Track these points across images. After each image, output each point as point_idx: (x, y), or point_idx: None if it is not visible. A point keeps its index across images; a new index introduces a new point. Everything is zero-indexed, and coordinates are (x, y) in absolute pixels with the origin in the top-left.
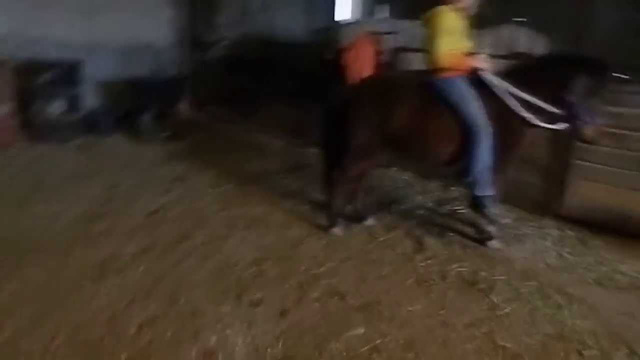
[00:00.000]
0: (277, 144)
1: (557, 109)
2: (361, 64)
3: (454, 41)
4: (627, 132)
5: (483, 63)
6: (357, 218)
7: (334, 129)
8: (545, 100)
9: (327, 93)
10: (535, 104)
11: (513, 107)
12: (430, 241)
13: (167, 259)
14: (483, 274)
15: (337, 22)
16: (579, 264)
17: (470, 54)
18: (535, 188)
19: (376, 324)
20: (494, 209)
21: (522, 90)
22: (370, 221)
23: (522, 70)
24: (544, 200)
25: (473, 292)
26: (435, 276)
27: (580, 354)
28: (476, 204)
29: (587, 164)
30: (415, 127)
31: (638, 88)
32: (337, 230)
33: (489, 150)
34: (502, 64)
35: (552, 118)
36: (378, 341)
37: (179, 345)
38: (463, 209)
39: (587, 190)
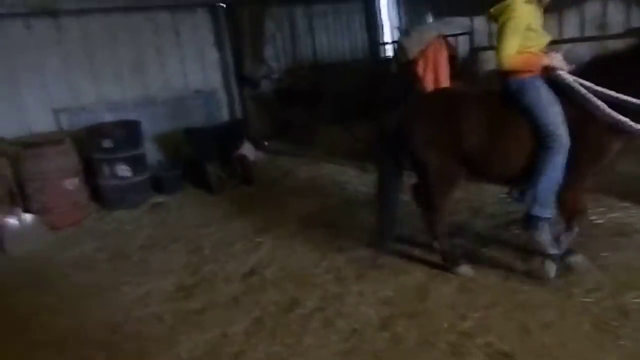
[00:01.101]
0: (350, 172)
1: None
2: (436, 71)
3: (529, 38)
4: None
5: (558, 62)
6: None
7: (391, 151)
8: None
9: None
10: (632, 104)
11: (601, 111)
12: (578, 265)
13: (283, 333)
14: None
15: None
16: None
17: (545, 51)
18: None
19: None
20: (547, 235)
21: (612, 89)
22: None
23: (609, 64)
24: None
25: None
26: (613, 314)
27: None
28: (529, 224)
29: None
30: (489, 139)
31: None
32: (465, 269)
33: (561, 167)
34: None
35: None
36: None
37: None
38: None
39: None
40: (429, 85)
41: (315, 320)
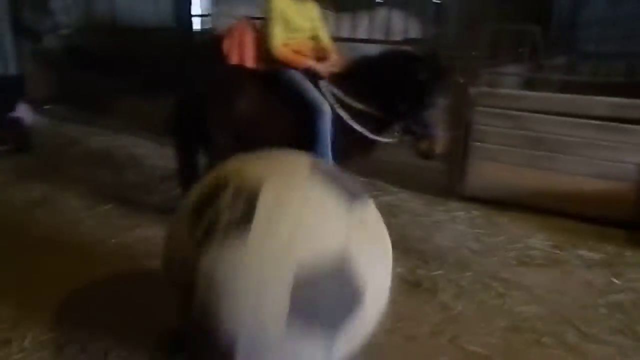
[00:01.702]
0: (149, 145)
1: (393, 117)
2: (242, 51)
3: (289, 30)
4: (519, 113)
5: (320, 68)
6: None
7: (188, 126)
8: (379, 108)
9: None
10: (367, 113)
11: (345, 120)
12: None
13: None
14: (421, 271)
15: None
16: (497, 244)
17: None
18: (439, 173)
19: None
20: None
21: (355, 97)
22: None
23: (356, 73)
24: (448, 184)
25: (421, 294)
26: None
27: (539, 343)
28: None
29: (485, 145)
30: (263, 118)
31: (527, 69)
32: None
33: (328, 134)
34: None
35: (386, 128)
36: None
37: None
38: None
39: (486, 170)
40: (234, 63)
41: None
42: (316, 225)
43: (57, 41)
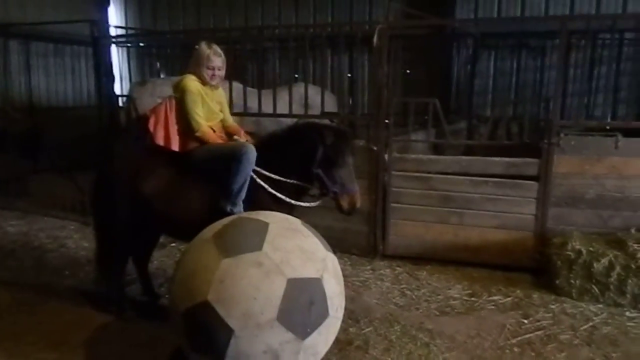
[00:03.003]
0: (71, 226)
1: (309, 183)
2: (167, 129)
3: (206, 111)
4: (429, 175)
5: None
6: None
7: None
8: (296, 177)
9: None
10: (286, 183)
11: (266, 190)
12: None
13: None
14: (352, 330)
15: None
16: (419, 298)
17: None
18: (363, 234)
19: None
20: None
21: (273, 169)
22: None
23: (270, 147)
24: (372, 244)
25: (352, 351)
26: None
27: None
28: None
29: (403, 205)
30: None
31: (433, 135)
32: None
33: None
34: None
35: (305, 193)
36: None
37: None
38: None
39: (405, 229)
40: (160, 141)
41: None
42: (305, 257)
43: None
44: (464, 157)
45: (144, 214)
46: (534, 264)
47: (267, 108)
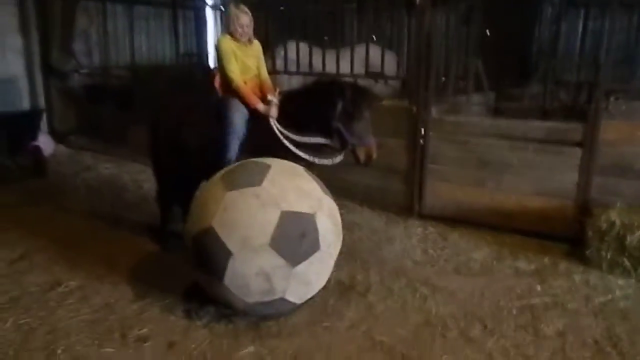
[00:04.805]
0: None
1: (329, 138)
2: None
3: (241, 71)
4: (468, 138)
5: (270, 111)
6: None
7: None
8: (316, 132)
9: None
10: (310, 142)
11: (292, 151)
12: None
13: (37, 308)
14: (359, 277)
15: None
16: (440, 256)
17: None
18: (400, 193)
19: (264, 339)
20: None
21: (296, 130)
22: None
23: (292, 108)
24: (408, 203)
25: (352, 295)
26: None
27: (443, 336)
28: None
29: (440, 166)
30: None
31: (475, 99)
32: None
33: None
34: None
35: (328, 151)
36: (268, 358)
37: None
38: None
39: (441, 190)
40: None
41: (73, 296)
42: (301, 194)
43: (80, 80)
44: (503, 121)
45: (184, 156)
46: (572, 234)
47: (333, 68)
